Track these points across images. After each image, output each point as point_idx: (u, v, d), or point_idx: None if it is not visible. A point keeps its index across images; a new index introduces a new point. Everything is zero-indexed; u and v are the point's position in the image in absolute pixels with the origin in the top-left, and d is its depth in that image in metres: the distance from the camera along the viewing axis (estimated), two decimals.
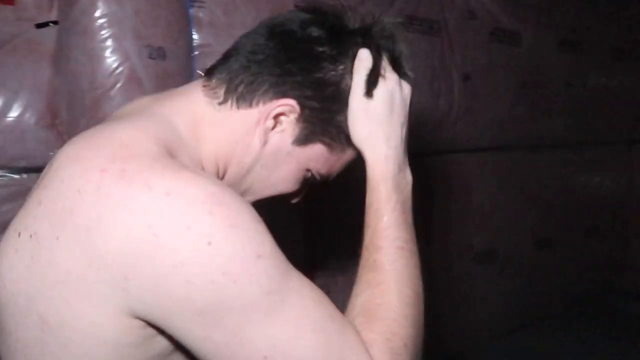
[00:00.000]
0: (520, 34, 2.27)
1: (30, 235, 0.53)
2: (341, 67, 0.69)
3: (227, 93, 0.67)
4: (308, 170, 0.73)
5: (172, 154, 0.58)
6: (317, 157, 0.72)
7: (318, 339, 0.51)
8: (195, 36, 1.39)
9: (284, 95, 0.66)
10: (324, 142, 0.71)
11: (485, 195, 2.41)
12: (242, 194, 0.72)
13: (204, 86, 0.70)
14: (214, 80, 0.69)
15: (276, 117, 0.68)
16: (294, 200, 0.79)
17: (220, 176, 0.70)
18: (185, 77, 1.38)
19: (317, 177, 0.75)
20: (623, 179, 3.06)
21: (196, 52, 1.40)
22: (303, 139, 0.70)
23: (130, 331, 0.52)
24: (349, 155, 0.75)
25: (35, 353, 0.54)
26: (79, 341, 0.51)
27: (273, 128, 0.68)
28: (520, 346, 2.56)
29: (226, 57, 0.72)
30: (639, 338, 2.77)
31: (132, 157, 0.53)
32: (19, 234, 0.55)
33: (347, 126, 0.69)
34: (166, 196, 0.49)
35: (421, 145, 2.11)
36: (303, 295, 0.53)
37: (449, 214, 2.29)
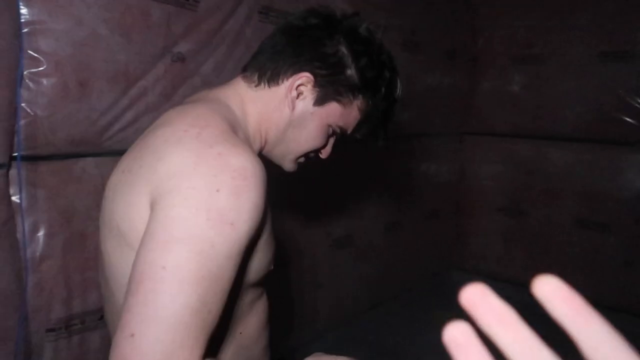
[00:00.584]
0: None
1: (123, 171, 0.80)
2: (336, 40, 0.90)
3: (260, 77, 0.92)
4: (329, 125, 0.94)
5: (234, 130, 0.81)
6: (334, 113, 0.93)
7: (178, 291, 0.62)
8: (24, 11, 1.23)
9: (300, 70, 0.90)
10: (336, 100, 0.92)
11: (340, 185, 2.53)
12: (283, 153, 0.97)
13: (243, 77, 0.95)
14: (249, 72, 0.95)
15: (298, 87, 0.91)
16: (324, 156, 1.01)
17: (263, 140, 0.94)
18: (11, 56, 1.20)
19: (338, 130, 0.96)
20: (456, 167, 3.46)
21: (26, 30, 1.23)
22: (320, 100, 0.91)
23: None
24: (356, 109, 0.95)
25: (114, 258, 0.78)
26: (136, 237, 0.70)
27: (297, 97, 0.91)
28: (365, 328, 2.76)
29: (255, 55, 0.96)
30: None
31: (206, 126, 0.75)
32: (122, 171, 0.81)
33: (350, 82, 0.91)
34: (217, 155, 0.70)
35: None
36: (207, 276, 0.64)
37: (308, 206, 2.37)
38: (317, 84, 0.90)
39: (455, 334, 0.27)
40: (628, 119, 2.84)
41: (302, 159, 1.00)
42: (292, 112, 0.91)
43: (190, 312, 0.60)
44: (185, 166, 0.69)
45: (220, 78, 1.77)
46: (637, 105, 2.81)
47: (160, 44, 1.57)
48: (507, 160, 3.36)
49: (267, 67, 0.91)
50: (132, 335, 0.58)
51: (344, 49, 0.90)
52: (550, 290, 0.26)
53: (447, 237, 3.49)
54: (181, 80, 1.66)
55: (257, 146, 0.93)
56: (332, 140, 1.00)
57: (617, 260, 2.96)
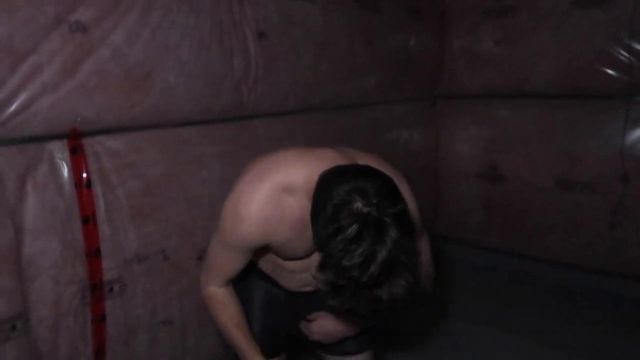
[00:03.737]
0: None
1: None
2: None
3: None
4: None
5: (289, 189, 1.01)
6: None
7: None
8: None
9: None
10: None
11: None
12: None
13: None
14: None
15: None
16: None
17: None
18: None
19: None
20: (430, 133, 3.27)
21: None
22: None
23: None
24: None
25: None
26: None
27: None
28: None
29: None
30: (454, 275, 3.05)
31: (254, 180, 1.03)
32: None
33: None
34: (236, 201, 1.03)
35: (219, 111, 1.95)
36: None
37: None
38: None
39: None
40: (608, 70, 2.64)
41: None
42: None
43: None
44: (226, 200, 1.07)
45: (134, 49, 1.57)
46: (617, 54, 2.61)
47: (51, 11, 1.36)
48: (483, 123, 3.17)
49: None
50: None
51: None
52: None
53: (425, 205, 3.31)
54: (84, 54, 1.46)
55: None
56: None
57: (601, 221, 2.80)
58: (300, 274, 1.20)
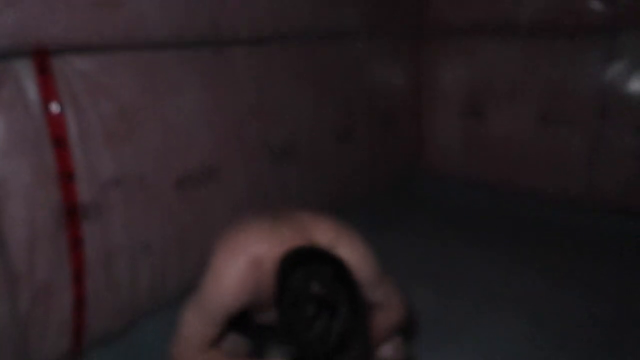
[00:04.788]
0: None
1: None
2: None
3: None
4: None
5: (258, 263, 1.14)
6: None
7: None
8: None
9: None
10: None
11: (278, 90, 2.31)
12: None
13: None
14: None
15: None
16: None
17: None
18: None
19: None
20: (413, 69, 3.22)
21: None
22: None
23: None
24: None
25: None
26: None
27: None
28: None
29: None
30: (436, 212, 3.11)
31: (233, 252, 1.16)
32: None
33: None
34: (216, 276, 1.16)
35: (195, 35, 1.88)
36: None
37: (242, 112, 2.15)
38: None
39: None
40: (593, 1, 2.60)
41: None
42: None
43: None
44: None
45: None
46: None
47: None
48: (467, 59, 3.13)
49: None
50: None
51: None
52: None
53: (408, 143, 3.32)
54: None
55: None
56: None
57: (580, 157, 2.84)
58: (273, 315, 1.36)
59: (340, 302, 0.95)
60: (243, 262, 1.13)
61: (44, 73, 1.48)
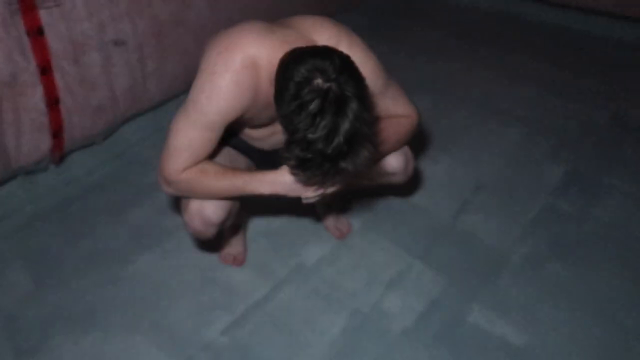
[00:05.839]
0: None
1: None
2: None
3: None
4: None
5: (255, 64, 0.99)
6: None
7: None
8: None
9: None
10: None
11: None
12: None
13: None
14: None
15: None
16: None
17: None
18: None
19: None
20: None
21: None
22: None
23: None
24: None
25: None
26: None
27: None
28: None
29: None
30: (441, 16, 2.87)
31: (225, 50, 0.99)
32: None
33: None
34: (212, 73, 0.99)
35: None
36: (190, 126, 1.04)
37: None
38: None
39: None
40: None
41: None
42: None
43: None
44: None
45: None
46: None
47: None
48: None
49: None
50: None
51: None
52: None
53: None
54: None
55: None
56: None
57: None
58: (270, 138, 1.21)
59: (347, 96, 0.84)
60: (240, 61, 0.97)
61: None
